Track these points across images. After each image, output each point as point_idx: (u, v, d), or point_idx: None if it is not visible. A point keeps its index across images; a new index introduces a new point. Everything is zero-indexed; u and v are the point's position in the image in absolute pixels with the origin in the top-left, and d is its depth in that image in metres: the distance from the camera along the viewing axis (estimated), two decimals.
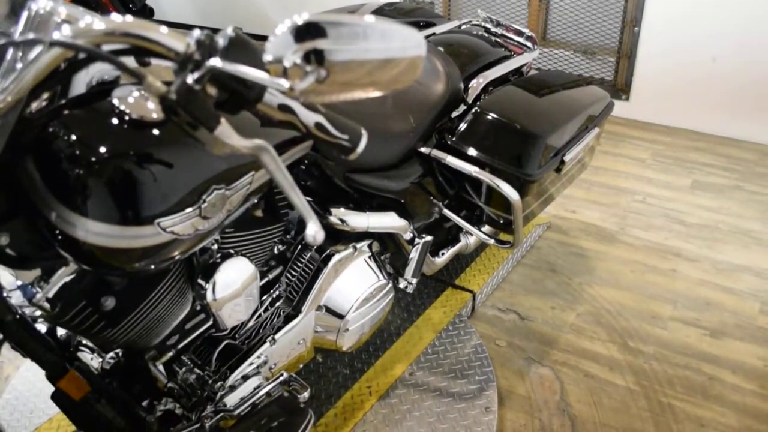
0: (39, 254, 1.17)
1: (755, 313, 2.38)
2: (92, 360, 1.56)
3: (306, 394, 1.62)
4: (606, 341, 2.27)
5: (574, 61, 4.07)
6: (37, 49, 0.95)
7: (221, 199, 1.18)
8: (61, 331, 1.53)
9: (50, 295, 1.23)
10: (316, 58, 0.79)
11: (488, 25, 2.37)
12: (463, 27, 2.39)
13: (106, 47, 0.88)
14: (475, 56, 2.13)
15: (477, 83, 2.02)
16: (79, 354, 1.56)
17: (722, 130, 3.68)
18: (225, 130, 0.81)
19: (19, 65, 1.00)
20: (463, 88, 2.00)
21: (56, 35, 0.87)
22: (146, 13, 4.90)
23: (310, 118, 0.87)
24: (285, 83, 0.78)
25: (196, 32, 0.80)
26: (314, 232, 0.85)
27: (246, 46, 0.81)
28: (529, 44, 2.31)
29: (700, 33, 3.55)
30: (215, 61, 0.78)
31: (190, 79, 0.78)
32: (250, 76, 0.78)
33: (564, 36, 4.04)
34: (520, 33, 2.34)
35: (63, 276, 1.22)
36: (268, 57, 0.79)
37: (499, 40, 2.30)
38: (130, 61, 0.92)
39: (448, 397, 1.97)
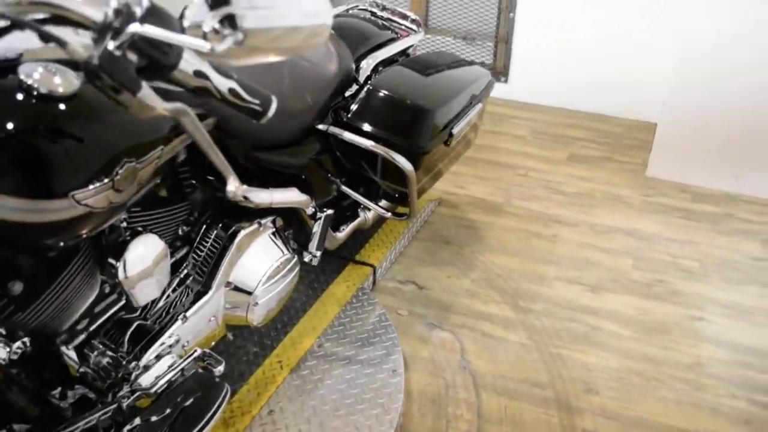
0: None
1: (628, 268, 2.62)
2: None
3: (221, 368, 1.65)
4: (499, 302, 2.43)
5: (455, 47, 4.25)
6: None
7: (132, 172, 1.20)
8: None
9: None
10: (230, 23, 0.84)
11: (374, 9, 2.47)
12: (351, 11, 2.47)
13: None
14: (364, 38, 2.22)
15: (367, 64, 2.12)
16: None
17: (593, 107, 3.96)
18: (147, 94, 0.85)
19: None
20: (355, 68, 2.08)
21: None
22: None
23: (223, 83, 0.93)
24: (206, 44, 0.83)
25: (113, 1, 0.84)
26: (235, 187, 0.91)
27: (161, 14, 0.85)
28: (414, 27, 2.43)
29: (569, 16, 3.81)
30: (136, 27, 0.82)
31: (111, 45, 0.82)
32: (173, 40, 0.83)
33: (445, 23, 4.21)
34: (405, 16, 2.46)
35: None
36: (186, 22, 0.84)
37: (385, 23, 2.41)
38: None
39: (357, 365, 2.06)
